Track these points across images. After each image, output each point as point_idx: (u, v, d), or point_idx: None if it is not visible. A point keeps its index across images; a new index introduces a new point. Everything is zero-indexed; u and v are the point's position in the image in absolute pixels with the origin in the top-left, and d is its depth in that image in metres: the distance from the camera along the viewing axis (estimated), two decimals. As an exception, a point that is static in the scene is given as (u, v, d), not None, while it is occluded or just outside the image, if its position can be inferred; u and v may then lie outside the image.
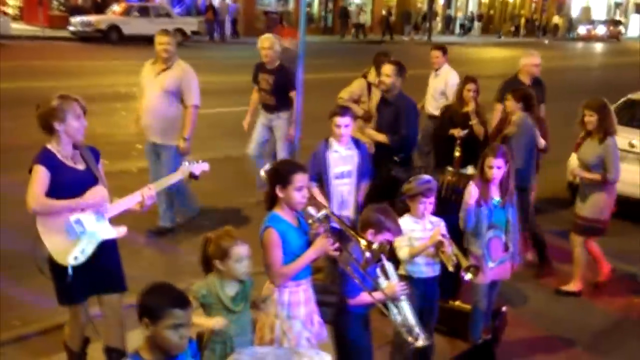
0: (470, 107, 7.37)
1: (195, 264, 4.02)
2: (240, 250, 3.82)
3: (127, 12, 28.54)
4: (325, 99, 8.99)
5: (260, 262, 4.06)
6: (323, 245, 3.97)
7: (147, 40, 25.22)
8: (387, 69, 6.83)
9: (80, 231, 4.24)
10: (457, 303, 5.74)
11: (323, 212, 4.16)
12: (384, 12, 43.22)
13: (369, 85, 8.01)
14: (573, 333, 6.04)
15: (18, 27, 28.11)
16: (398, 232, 4.46)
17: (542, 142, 7.01)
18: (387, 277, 4.39)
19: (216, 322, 3.74)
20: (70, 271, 4.19)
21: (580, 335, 6.03)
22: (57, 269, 4.23)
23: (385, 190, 6.15)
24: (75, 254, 4.21)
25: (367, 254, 3.95)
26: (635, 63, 26.01)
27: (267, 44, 8.35)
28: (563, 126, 8.32)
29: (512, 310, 5.96)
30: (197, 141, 7.67)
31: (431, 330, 5.01)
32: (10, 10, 31.91)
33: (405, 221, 4.89)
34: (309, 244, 4.06)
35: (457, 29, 52.00)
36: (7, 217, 7.36)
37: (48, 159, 4.22)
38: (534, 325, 6.13)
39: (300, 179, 3.98)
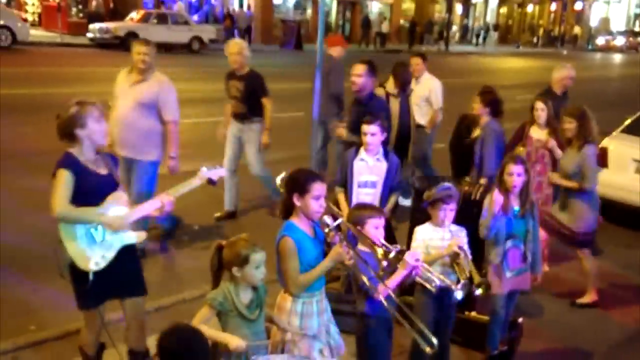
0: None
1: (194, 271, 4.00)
2: (259, 256, 3.81)
3: (145, 20, 28.83)
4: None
5: (273, 269, 4.05)
6: (339, 254, 3.94)
7: (164, 48, 25.49)
8: (358, 68, 6.82)
9: (101, 237, 4.26)
10: (473, 314, 5.71)
11: (339, 220, 4.13)
12: (402, 22, 43.26)
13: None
14: (590, 345, 5.98)
15: (37, 34, 28.35)
16: (379, 213, 4.44)
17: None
18: None
19: (237, 345, 3.69)
20: (91, 277, 4.20)
21: (597, 346, 5.96)
22: (77, 274, 4.23)
23: None
24: (96, 260, 4.22)
25: (384, 263, 3.92)
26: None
27: (236, 49, 8.02)
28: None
29: (528, 321, 5.90)
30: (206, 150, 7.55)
31: (447, 340, 4.97)
32: (29, 17, 32.23)
33: (424, 228, 4.86)
34: (324, 254, 4.04)
35: (474, 39, 51.96)
36: (28, 220, 7.46)
37: (72, 164, 4.21)
38: (550, 336, 6.07)
39: (318, 188, 3.96)
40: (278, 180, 4.65)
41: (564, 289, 7.04)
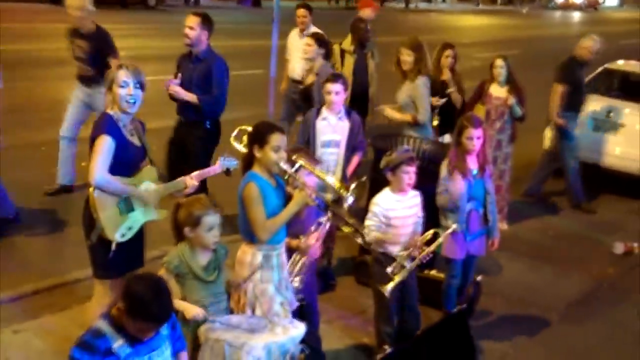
0: (447, 75, 7.24)
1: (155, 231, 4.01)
2: (212, 218, 3.77)
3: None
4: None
5: (235, 228, 4.08)
6: (303, 197, 3.99)
7: (120, 4, 24.97)
8: (191, 20, 6.16)
9: (130, 209, 4.24)
10: (433, 272, 5.68)
11: (297, 164, 4.15)
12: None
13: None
14: (548, 302, 6.05)
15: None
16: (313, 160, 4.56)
17: (518, 110, 6.97)
18: None
19: (196, 314, 3.65)
20: (113, 247, 4.16)
21: (554, 304, 6.04)
22: (102, 243, 4.19)
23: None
24: (122, 231, 4.19)
25: (351, 198, 4.04)
26: (612, 33, 26.05)
27: (76, 2, 7.02)
28: (541, 95, 8.32)
29: (487, 279, 5.93)
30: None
31: (415, 301, 4.96)
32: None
33: (385, 197, 4.73)
34: (287, 203, 4.05)
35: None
36: (22, 175, 7.48)
37: (114, 130, 4.12)
38: (509, 294, 6.13)
39: (277, 139, 3.98)
40: (233, 134, 4.67)
41: (523, 248, 7.09)
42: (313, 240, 4.37)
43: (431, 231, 4.85)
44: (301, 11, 8.81)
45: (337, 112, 5.69)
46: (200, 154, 6.12)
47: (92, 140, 4.09)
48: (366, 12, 8.82)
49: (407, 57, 6.41)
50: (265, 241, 4.01)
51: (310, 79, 6.97)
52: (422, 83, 6.39)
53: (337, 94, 5.59)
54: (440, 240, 4.86)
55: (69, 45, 7.29)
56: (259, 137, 4.01)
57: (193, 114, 6.22)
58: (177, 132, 6.45)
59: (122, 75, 4.12)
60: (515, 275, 6.56)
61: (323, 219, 4.39)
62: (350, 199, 4.05)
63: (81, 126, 7.41)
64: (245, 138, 4.41)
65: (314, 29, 8.59)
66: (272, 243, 4.06)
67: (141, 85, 4.17)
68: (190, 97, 6.10)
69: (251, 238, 4.04)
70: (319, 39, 6.89)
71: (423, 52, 6.44)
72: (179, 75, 6.20)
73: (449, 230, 4.95)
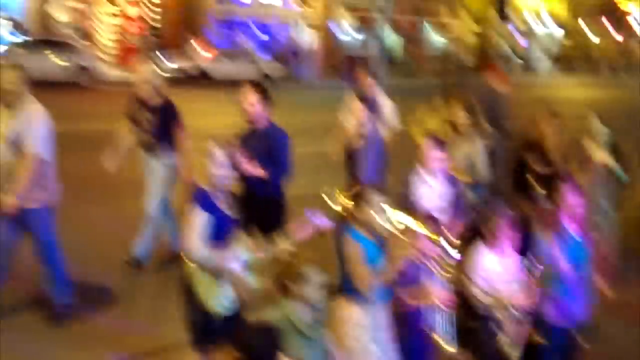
0: (552, 144, 7.09)
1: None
2: (314, 275, 3.88)
3: (215, 57, 29.85)
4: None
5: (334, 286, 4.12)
6: (403, 249, 4.09)
7: (234, 84, 26.44)
8: (250, 96, 6.07)
9: (228, 278, 4.35)
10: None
11: (399, 218, 4.27)
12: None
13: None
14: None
15: (113, 73, 29.47)
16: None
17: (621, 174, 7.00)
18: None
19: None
20: (214, 316, 4.32)
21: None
22: (201, 312, 4.35)
23: None
24: (222, 301, 4.34)
25: (454, 252, 4.17)
26: None
27: (143, 76, 7.49)
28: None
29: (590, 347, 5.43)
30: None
31: None
32: (105, 56, 33.54)
33: (487, 259, 4.71)
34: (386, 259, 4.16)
35: (536, 68, 51.61)
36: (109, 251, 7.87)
37: (209, 205, 4.34)
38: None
39: (376, 198, 4.18)
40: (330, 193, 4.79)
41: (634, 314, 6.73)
42: (434, 290, 4.42)
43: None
44: (366, 79, 8.83)
45: (439, 177, 5.79)
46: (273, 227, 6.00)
47: (185, 211, 4.33)
48: (497, 84, 8.75)
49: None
50: (367, 296, 4.11)
51: (358, 142, 6.96)
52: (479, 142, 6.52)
53: (438, 160, 5.72)
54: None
55: (134, 115, 7.52)
56: (357, 196, 4.24)
57: (261, 189, 5.97)
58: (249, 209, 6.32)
59: (218, 154, 4.39)
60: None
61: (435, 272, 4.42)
62: (456, 256, 4.14)
63: (160, 199, 7.55)
64: (342, 198, 4.56)
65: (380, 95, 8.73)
66: (373, 299, 4.16)
67: (233, 163, 4.48)
68: (259, 171, 5.93)
69: (352, 294, 4.16)
70: (368, 104, 6.93)
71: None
72: (244, 151, 6.01)
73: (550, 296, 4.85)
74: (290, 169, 6.21)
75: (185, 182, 7.24)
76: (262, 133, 6.13)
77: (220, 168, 4.41)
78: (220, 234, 4.35)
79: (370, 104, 7.02)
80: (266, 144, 6.05)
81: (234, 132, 5.80)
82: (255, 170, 5.88)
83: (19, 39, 25.27)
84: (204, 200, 4.36)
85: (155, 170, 7.50)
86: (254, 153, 5.94)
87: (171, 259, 7.39)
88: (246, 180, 5.82)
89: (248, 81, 6.48)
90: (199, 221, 4.26)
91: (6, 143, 5.84)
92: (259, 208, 6.02)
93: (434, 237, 4.25)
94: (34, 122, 5.88)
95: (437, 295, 4.42)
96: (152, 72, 7.69)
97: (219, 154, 4.41)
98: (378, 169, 6.37)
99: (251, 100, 6.06)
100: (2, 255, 6.03)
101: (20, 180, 5.76)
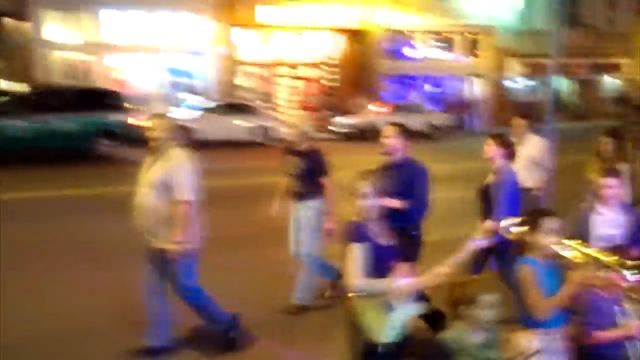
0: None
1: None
2: (487, 298, 3.94)
3: (389, 112, 30.61)
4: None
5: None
6: (580, 277, 4.00)
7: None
8: (388, 130, 6.46)
9: (391, 308, 4.32)
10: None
11: (576, 246, 4.22)
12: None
13: None
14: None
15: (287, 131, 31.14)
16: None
17: None
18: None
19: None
20: (380, 348, 4.30)
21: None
22: (368, 346, 4.37)
23: None
24: (388, 331, 4.31)
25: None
26: None
27: (293, 121, 7.80)
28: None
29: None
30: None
31: None
32: (284, 117, 35.65)
33: None
34: (560, 284, 4.12)
35: None
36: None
37: (364, 237, 4.40)
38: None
39: (549, 222, 4.16)
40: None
41: None
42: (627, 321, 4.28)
43: None
44: (518, 121, 9.32)
45: (613, 207, 5.73)
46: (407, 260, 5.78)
47: (342, 251, 4.36)
48: None
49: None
50: (543, 321, 4.04)
51: (490, 178, 6.93)
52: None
53: (611, 188, 5.67)
54: None
55: (284, 162, 7.78)
56: (530, 221, 4.21)
57: (399, 221, 5.67)
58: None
59: (362, 185, 4.48)
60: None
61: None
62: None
63: (309, 244, 7.59)
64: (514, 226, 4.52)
65: (530, 138, 9.10)
66: (548, 327, 4.10)
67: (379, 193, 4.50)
68: (396, 203, 5.88)
69: (528, 322, 4.12)
70: (500, 140, 6.98)
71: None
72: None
73: None
74: (427, 203, 6.35)
75: (332, 226, 7.36)
76: (400, 165, 6.36)
77: (366, 199, 4.47)
78: (379, 264, 4.39)
79: (506, 142, 6.96)
80: (404, 177, 6.16)
81: (375, 166, 6.05)
82: (391, 202, 5.67)
83: (211, 104, 27.66)
84: (357, 233, 4.40)
85: (302, 216, 7.60)
86: (391, 185, 5.73)
87: (331, 299, 7.74)
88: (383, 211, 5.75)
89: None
90: (356, 254, 4.31)
91: (152, 188, 6.03)
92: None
93: (617, 265, 4.03)
94: (182, 169, 6.03)
95: (631, 326, 4.27)
96: (303, 119, 8.21)
97: (363, 186, 4.47)
98: (511, 208, 6.11)
99: (388, 133, 6.50)
100: (156, 301, 6.30)
101: (177, 226, 5.93)
